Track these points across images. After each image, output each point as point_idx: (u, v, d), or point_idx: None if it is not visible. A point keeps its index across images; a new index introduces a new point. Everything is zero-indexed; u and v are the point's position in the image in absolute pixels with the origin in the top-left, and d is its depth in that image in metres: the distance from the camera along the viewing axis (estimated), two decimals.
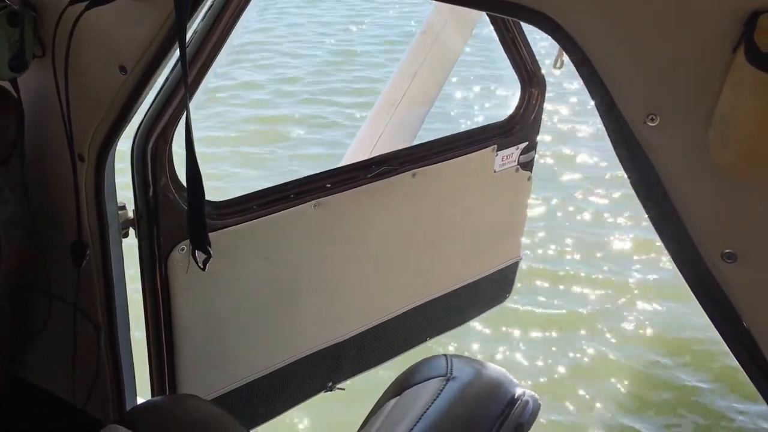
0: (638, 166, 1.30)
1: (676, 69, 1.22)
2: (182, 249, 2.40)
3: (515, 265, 3.72)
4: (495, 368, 1.94)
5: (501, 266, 3.62)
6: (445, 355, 1.92)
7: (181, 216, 2.34)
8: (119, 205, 2.28)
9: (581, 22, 1.28)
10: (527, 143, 3.37)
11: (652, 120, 1.26)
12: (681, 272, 1.32)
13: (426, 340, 3.48)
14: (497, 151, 3.26)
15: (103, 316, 2.33)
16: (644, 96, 1.26)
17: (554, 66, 2.87)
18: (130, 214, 2.34)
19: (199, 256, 2.06)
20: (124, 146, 2.20)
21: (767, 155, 1.11)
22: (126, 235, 2.35)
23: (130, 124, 2.09)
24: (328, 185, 2.76)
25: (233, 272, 2.58)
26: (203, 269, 2.01)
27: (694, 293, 1.31)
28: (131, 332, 2.44)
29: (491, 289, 3.67)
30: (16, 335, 2.36)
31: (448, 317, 3.49)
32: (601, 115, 1.32)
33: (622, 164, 1.33)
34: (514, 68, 3.29)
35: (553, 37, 1.31)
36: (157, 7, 1.76)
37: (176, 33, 1.72)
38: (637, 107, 1.27)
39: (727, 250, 1.26)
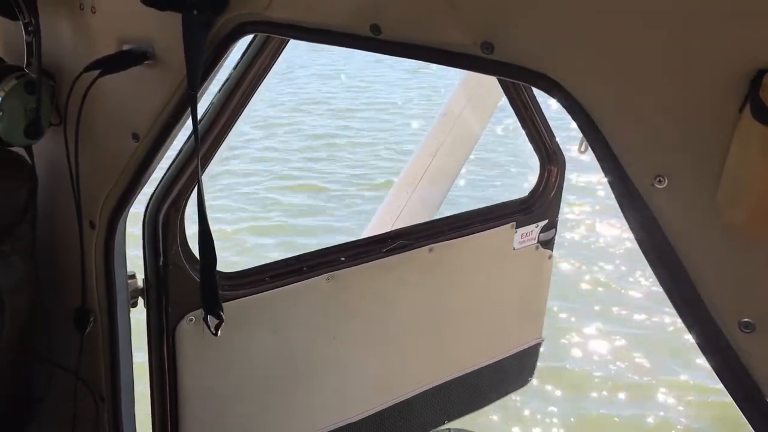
0: (647, 230, 1.25)
1: (682, 129, 1.18)
2: (191, 320, 2.36)
3: (537, 346, 3.61)
4: None
5: (521, 348, 3.52)
6: (448, 429, 1.84)
7: (191, 286, 2.31)
8: (129, 273, 2.26)
9: (584, 84, 1.26)
10: (547, 221, 3.33)
11: (660, 182, 1.21)
12: (696, 342, 1.24)
13: (443, 423, 3.35)
14: (516, 228, 3.22)
15: (107, 388, 2.28)
16: (651, 157, 1.22)
17: (579, 150, 2.85)
18: (140, 284, 2.32)
19: (211, 321, 2.02)
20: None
21: None
22: (135, 304, 2.32)
23: (142, 191, 2.10)
24: (343, 258, 2.72)
25: (243, 345, 2.52)
26: (215, 334, 1.97)
27: (711, 365, 1.23)
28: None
29: (512, 372, 3.55)
30: (18, 403, 2.30)
31: (465, 400, 3.37)
32: (607, 178, 1.28)
33: (631, 229, 1.28)
34: (533, 146, 3.29)
35: (557, 99, 1.29)
36: (169, 75, 1.79)
37: (188, 100, 1.74)
38: (644, 169, 1.23)
39: (745, 319, 1.19)
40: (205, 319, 1.96)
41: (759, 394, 1.19)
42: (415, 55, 1.44)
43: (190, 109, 1.75)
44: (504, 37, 1.31)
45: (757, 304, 1.19)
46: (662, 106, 1.19)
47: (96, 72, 1.80)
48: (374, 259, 2.79)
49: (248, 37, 2.22)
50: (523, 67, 1.31)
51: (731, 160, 1.10)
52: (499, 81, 3.20)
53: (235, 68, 2.24)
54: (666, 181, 1.21)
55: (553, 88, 1.28)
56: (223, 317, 1.97)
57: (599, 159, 1.28)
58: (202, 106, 2.20)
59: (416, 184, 4.06)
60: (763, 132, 1.03)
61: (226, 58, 1.77)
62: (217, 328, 1.96)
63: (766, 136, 1.03)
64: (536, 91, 3.12)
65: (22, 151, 2.03)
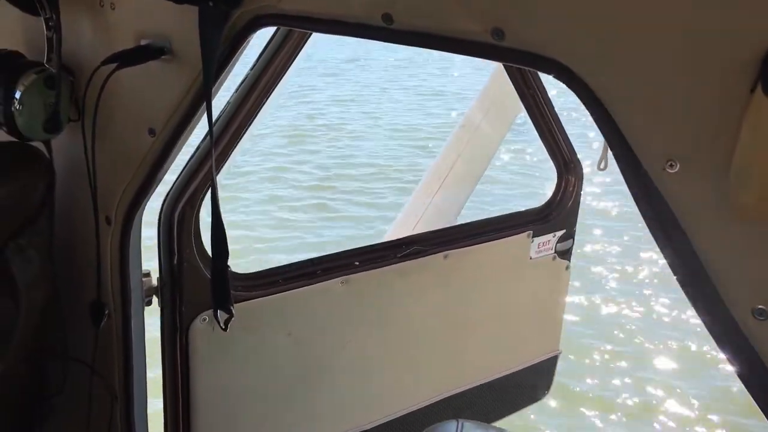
0: (659, 216, 1.24)
1: (694, 112, 1.17)
2: (204, 319, 2.36)
3: (554, 359, 3.56)
4: None
5: (538, 360, 3.48)
6: (457, 420, 1.82)
7: (205, 285, 2.31)
8: (144, 272, 2.27)
9: (595, 68, 1.25)
10: (564, 231, 3.31)
11: (672, 166, 1.20)
12: (709, 331, 1.22)
13: None
14: (533, 237, 3.20)
15: (120, 386, 2.28)
16: (662, 141, 1.21)
17: (598, 167, 2.83)
18: (155, 282, 2.33)
19: (221, 316, 2.02)
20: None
21: None
22: (149, 303, 2.33)
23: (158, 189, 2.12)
24: (357, 263, 2.72)
25: (256, 346, 2.52)
26: (224, 329, 1.97)
27: (724, 353, 1.21)
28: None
29: (527, 384, 3.50)
30: (35, 398, 2.31)
31: (479, 411, 3.33)
32: (618, 163, 1.27)
33: (642, 214, 1.26)
34: (550, 155, 3.27)
35: (567, 84, 1.29)
36: (185, 70, 1.81)
37: (203, 95, 1.76)
38: (655, 153, 1.21)
39: (759, 306, 1.17)
40: (214, 314, 1.96)
41: None
42: (426, 43, 1.44)
43: (205, 104, 1.77)
44: (514, 23, 1.31)
45: None
46: (673, 89, 1.19)
47: (113, 65, 1.83)
48: (389, 264, 2.78)
49: (266, 39, 2.26)
50: (533, 54, 1.31)
51: (742, 140, 1.09)
52: (518, 93, 3.20)
53: (252, 68, 2.26)
54: (677, 166, 1.20)
55: (564, 74, 1.28)
56: (233, 312, 1.97)
57: (610, 144, 1.27)
58: (221, 103, 2.23)
59: (433, 195, 4.06)
60: None
61: (241, 53, 1.79)
62: (226, 323, 1.96)
63: None
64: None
65: (41, 146, 2.06)
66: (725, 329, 1.20)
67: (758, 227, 1.15)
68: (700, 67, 1.15)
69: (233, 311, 1.96)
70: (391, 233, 4.02)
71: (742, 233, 1.17)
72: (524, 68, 3.08)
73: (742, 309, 1.18)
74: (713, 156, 1.16)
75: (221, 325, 1.96)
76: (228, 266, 2.00)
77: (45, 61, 1.96)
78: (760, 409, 1.17)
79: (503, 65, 3.21)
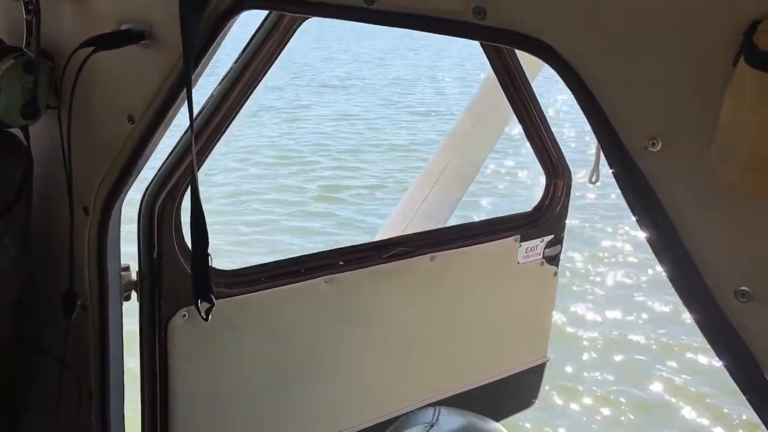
0: (641, 196, 1.21)
1: (676, 88, 1.15)
2: (184, 315, 2.32)
3: (541, 367, 3.52)
4: (491, 424, 1.78)
5: (525, 367, 3.43)
6: (434, 407, 1.79)
7: (185, 280, 2.27)
8: (123, 266, 2.22)
9: (576, 46, 1.23)
10: (553, 236, 3.28)
11: (654, 145, 1.18)
12: (690, 312, 1.20)
13: None
14: (521, 241, 3.17)
15: (95, 383, 2.23)
16: (644, 119, 1.19)
17: (590, 180, 2.81)
18: (134, 276, 2.29)
19: (202, 307, 1.98)
20: None
21: None
22: (128, 298, 2.28)
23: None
24: (341, 262, 2.69)
25: (236, 344, 2.48)
26: (206, 319, 1.92)
27: (705, 335, 1.18)
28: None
29: (514, 392, 3.45)
30: (7, 391, 2.25)
31: None
32: (600, 143, 1.25)
33: (623, 195, 1.24)
34: (539, 160, 3.25)
35: (549, 63, 1.27)
36: (166, 55, 1.78)
37: (183, 81, 1.73)
38: (637, 132, 1.19)
39: (741, 288, 1.14)
40: (195, 304, 1.91)
41: (755, 366, 1.13)
42: (408, 24, 1.42)
43: (185, 90, 1.74)
44: (496, 1, 1.30)
45: (755, 272, 1.14)
46: (655, 66, 1.17)
47: (90, 49, 1.80)
48: (374, 265, 2.75)
49: (251, 31, 2.24)
50: (515, 32, 1.29)
51: (725, 113, 1.07)
52: (508, 97, 3.18)
53: (236, 61, 2.24)
54: (659, 144, 1.18)
55: (545, 52, 1.26)
56: (215, 302, 1.92)
57: (591, 123, 1.25)
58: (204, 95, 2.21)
59: (423, 200, 4.03)
60: (756, 78, 1.00)
61: (223, 38, 1.76)
62: (207, 312, 1.91)
63: (759, 82, 0.99)
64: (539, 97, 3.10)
65: (18, 133, 2.02)
66: (708, 313, 1.17)
67: (741, 207, 1.12)
68: (682, 43, 1.13)
69: (214, 301, 1.91)
70: (381, 236, 3.97)
71: (725, 214, 1.15)
72: (514, 74, 3.07)
73: (725, 291, 1.16)
74: (696, 135, 1.14)
75: (202, 315, 1.91)
76: (209, 254, 1.95)
77: (24, 46, 1.93)
78: (742, 393, 1.14)
79: (493, 71, 3.19)
